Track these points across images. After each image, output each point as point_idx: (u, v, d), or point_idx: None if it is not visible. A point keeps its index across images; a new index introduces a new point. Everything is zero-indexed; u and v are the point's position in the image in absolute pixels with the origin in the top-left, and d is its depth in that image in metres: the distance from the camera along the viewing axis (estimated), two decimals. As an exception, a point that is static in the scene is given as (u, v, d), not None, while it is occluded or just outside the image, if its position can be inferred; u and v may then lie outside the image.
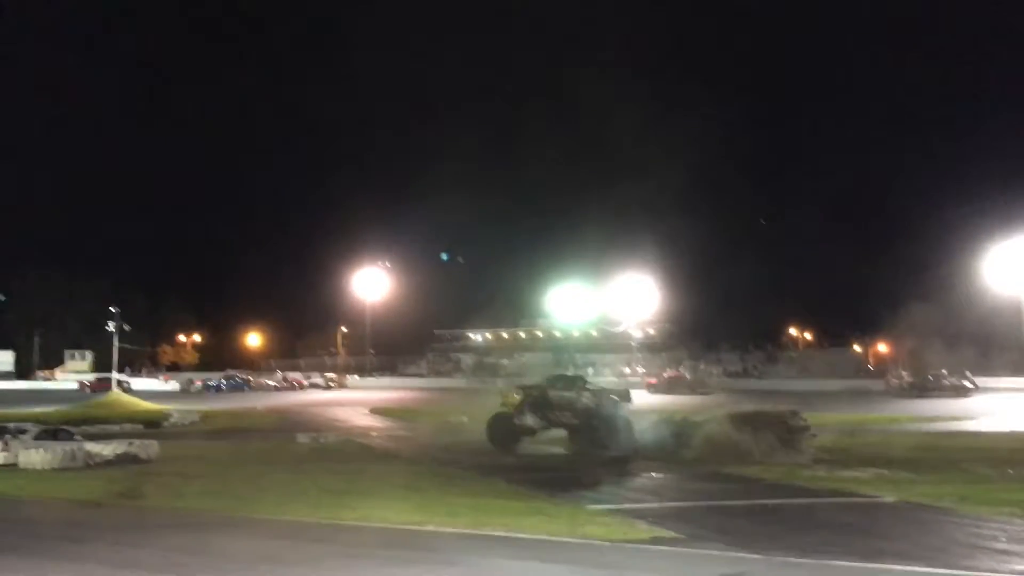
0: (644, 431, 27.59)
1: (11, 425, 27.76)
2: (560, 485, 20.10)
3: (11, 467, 24.24)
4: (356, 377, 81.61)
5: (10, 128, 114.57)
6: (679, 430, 26.78)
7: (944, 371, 54.03)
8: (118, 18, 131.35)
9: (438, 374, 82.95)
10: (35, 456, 24.15)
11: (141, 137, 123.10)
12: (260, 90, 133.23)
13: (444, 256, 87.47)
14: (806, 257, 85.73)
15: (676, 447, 25.59)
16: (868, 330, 75.06)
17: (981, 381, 54.58)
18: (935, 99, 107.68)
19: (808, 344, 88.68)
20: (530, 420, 28.33)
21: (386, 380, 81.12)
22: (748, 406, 30.07)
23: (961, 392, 52.44)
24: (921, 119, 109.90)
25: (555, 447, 28.29)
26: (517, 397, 28.59)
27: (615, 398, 29.23)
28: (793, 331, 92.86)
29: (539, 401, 28.45)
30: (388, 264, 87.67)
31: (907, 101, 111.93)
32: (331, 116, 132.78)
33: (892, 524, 15.09)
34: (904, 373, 58.66)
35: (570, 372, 53.23)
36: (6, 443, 25.44)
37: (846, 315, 79.78)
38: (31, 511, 17.94)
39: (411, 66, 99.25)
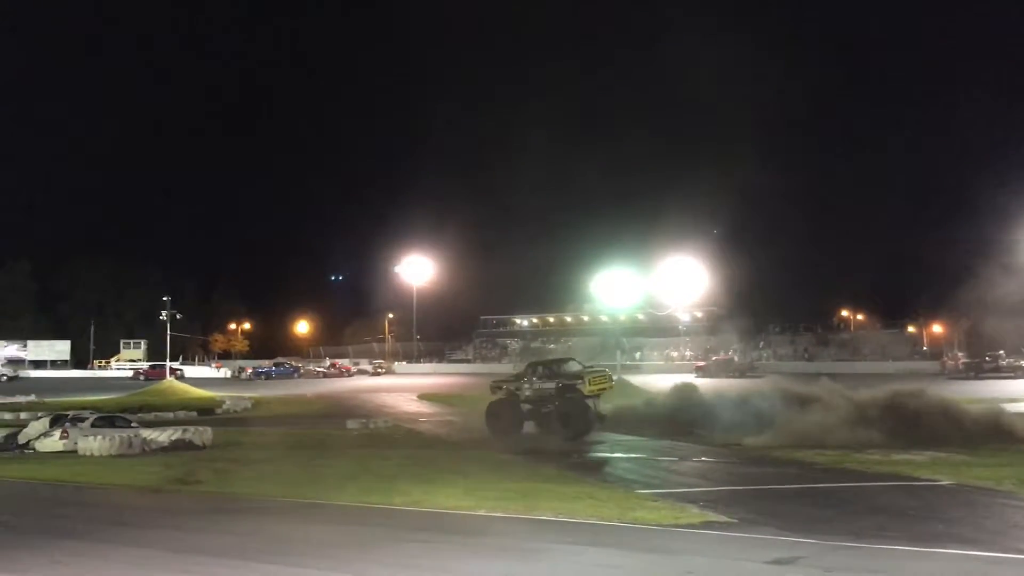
0: (720, 410, 27.75)
1: (70, 413, 28.54)
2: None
3: (70, 454, 24.94)
4: (403, 363, 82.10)
5: (67, 119, 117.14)
6: (758, 411, 26.72)
7: (1001, 352, 52.80)
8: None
9: (485, 359, 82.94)
10: (93, 443, 24.76)
11: (193, 132, 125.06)
12: (309, 79, 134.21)
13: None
14: (858, 237, 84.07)
15: (748, 429, 25.41)
16: (923, 311, 73.41)
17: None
18: (1004, 68, 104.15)
19: (860, 326, 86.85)
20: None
21: (433, 366, 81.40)
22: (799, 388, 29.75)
23: (1020, 373, 51.24)
24: (983, 90, 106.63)
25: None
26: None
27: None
28: (845, 313, 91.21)
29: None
30: None
31: (971, 69, 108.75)
32: (382, 105, 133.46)
33: (949, 507, 14.77)
34: (960, 354, 57.41)
35: (618, 356, 53.27)
36: (65, 430, 26.15)
37: (900, 296, 78.20)
38: (91, 497, 18.36)
39: (464, 52, 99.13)
